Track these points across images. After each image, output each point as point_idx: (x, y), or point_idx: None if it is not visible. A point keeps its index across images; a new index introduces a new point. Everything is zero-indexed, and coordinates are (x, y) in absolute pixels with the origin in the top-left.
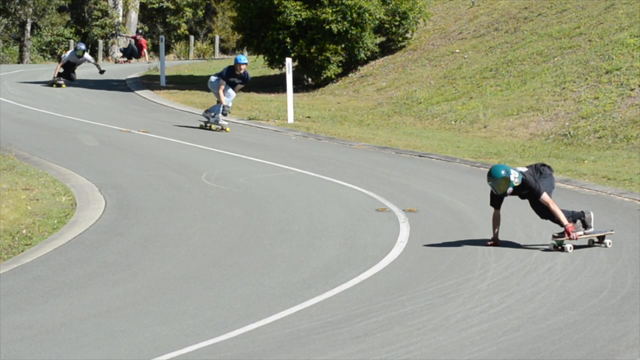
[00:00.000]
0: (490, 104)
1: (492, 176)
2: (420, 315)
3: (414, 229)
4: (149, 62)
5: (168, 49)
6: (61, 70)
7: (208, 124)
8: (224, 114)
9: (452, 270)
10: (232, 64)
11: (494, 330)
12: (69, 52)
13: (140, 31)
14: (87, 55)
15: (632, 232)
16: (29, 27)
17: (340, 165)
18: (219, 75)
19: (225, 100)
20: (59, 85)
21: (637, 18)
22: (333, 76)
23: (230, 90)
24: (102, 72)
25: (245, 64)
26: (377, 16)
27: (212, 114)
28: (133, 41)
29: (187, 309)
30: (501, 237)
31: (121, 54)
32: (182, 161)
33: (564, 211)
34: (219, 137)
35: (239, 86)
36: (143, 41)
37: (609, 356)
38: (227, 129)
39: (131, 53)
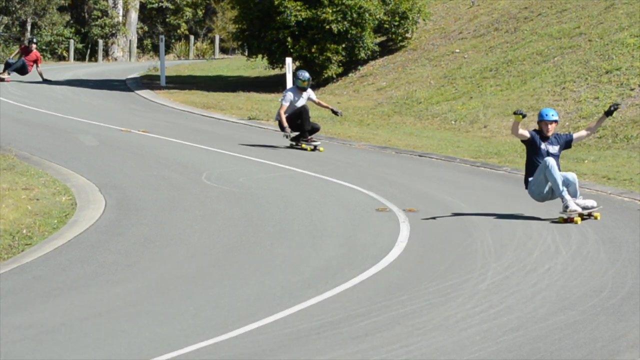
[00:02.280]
0: (490, 104)
1: None
2: (420, 315)
3: (414, 229)
4: (45, 80)
5: (168, 49)
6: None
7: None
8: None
9: (452, 270)
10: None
11: (494, 330)
12: (289, 90)
13: (34, 40)
14: (310, 90)
15: (632, 232)
16: (29, 27)
17: (340, 165)
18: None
19: (565, 196)
20: (314, 148)
21: (637, 18)
22: (334, 76)
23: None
24: (339, 114)
25: (555, 121)
26: (377, 16)
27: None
28: (22, 57)
29: (187, 309)
30: (502, 236)
31: (3, 69)
32: (182, 161)
33: None
34: (219, 137)
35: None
36: (36, 53)
37: (609, 356)
38: (597, 214)
39: (20, 69)
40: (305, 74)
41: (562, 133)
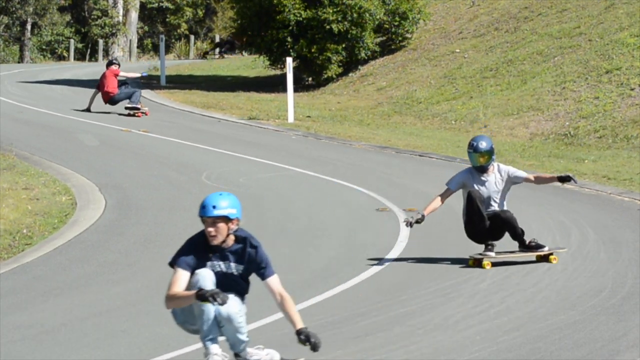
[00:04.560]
0: (490, 104)
1: None
2: (420, 315)
3: (414, 228)
4: (146, 114)
5: (168, 49)
6: None
7: None
8: None
9: (452, 270)
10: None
11: (494, 330)
12: (462, 173)
13: (115, 60)
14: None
15: (632, 232)
16: (29, 27)
17: (340, 165)
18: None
19: None
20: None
21: (637, 18)
22: (334, 76)
23: None
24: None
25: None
26: (377, 16)
27: None
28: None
29: None
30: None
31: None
32: (182, 161)
33: None
34: (218, 137)
35: None
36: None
37: (609, 356)
38: None
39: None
40: (482, 143)
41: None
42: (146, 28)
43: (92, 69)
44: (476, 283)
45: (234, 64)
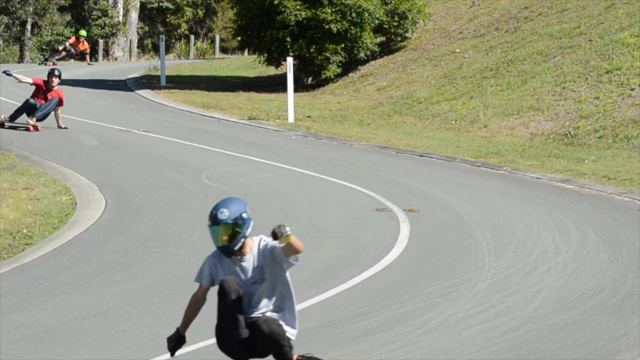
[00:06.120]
0: (490, 104)
1: None
2: (420, 315)
3: (414, 228)
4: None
5: (168, 49)
6: None
7: None
8: None
9: (452, 270)
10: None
11: (494, 330)
12: (209, 259)
13: (57, 72)
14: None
15: (632, 232)
16: (29, 27)
17: (340, 165)
18: None
19: None
20: None
21: (637, 18)
22: (333, 76)
23: None
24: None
25: None
26: (377, 16)
27: None
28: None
29: None
30: (502, 236)
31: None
32: (182, 161)
33: None
34: (218, 137)
35: None
36: (59, 92)
37: (609, 356)
38: None
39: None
40: (223, 211)
41: None
42: (146, 28)
43: (92, 69)
44: (476, 283)
45: (234, 64)
